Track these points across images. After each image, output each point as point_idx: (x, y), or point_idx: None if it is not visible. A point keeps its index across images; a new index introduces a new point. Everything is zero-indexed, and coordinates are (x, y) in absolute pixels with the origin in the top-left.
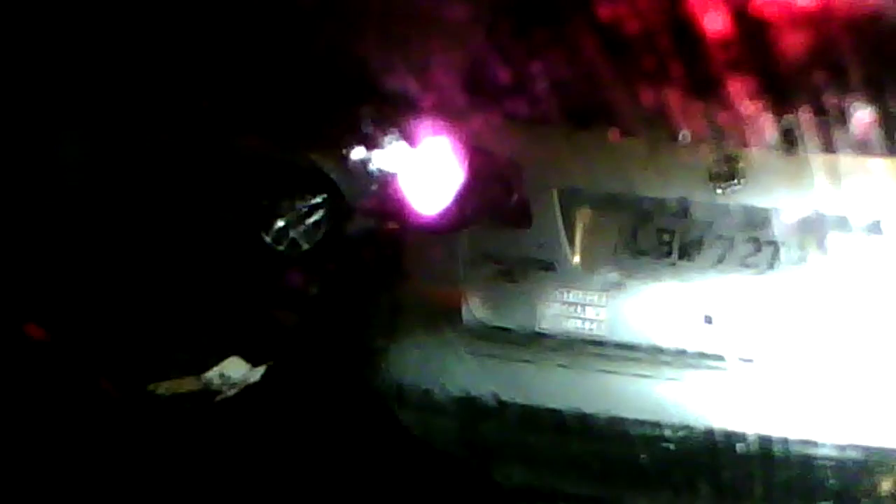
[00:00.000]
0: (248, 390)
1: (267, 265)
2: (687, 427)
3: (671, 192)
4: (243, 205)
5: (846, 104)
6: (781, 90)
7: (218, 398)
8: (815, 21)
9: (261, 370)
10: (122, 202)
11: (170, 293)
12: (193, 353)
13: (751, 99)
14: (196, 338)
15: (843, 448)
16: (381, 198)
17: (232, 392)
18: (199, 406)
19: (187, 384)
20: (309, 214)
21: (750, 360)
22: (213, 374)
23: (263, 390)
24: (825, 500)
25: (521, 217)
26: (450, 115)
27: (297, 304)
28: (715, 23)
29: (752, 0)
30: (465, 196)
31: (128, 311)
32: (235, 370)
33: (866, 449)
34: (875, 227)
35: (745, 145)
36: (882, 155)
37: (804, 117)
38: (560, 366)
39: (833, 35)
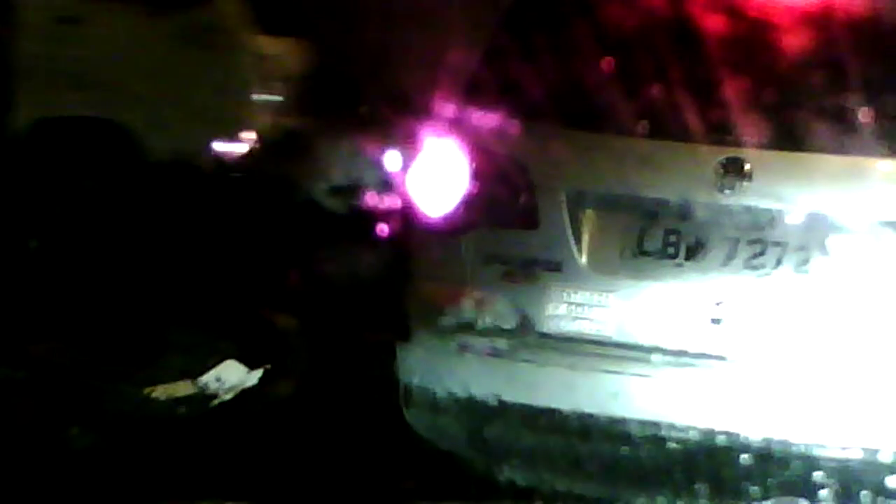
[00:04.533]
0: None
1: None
2: (693, 428)
3: (677, 193)
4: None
5: (851, 105)
6: (787, 91)
7: (214, 402)
8: (818, 21)
9: (258, 374)
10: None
11: (167, 297)
12: (190, 357)
13: (756, 100)
14: (192, 341)
15: (847, 449)
16: (387, 199)
17: (228, 396)
18: (194, 409)
19: (183, 388)
20: None
21: (756, 361)
22: (209, 378)
23: (267, 392)
24: (828, 501)
25: (528, 218)
26: (457, 116)
27: (300, 306)
28: (719, 23)
29: (756, 0)
30: (472, 197)
31: (125, 314)
32: (232, 374)
33: (870, 450)
34: (881, 228)
35: (751, 146)
36: (887, 156)
37: (810, 118)
38: (566, 367)
39: (836, 35)
